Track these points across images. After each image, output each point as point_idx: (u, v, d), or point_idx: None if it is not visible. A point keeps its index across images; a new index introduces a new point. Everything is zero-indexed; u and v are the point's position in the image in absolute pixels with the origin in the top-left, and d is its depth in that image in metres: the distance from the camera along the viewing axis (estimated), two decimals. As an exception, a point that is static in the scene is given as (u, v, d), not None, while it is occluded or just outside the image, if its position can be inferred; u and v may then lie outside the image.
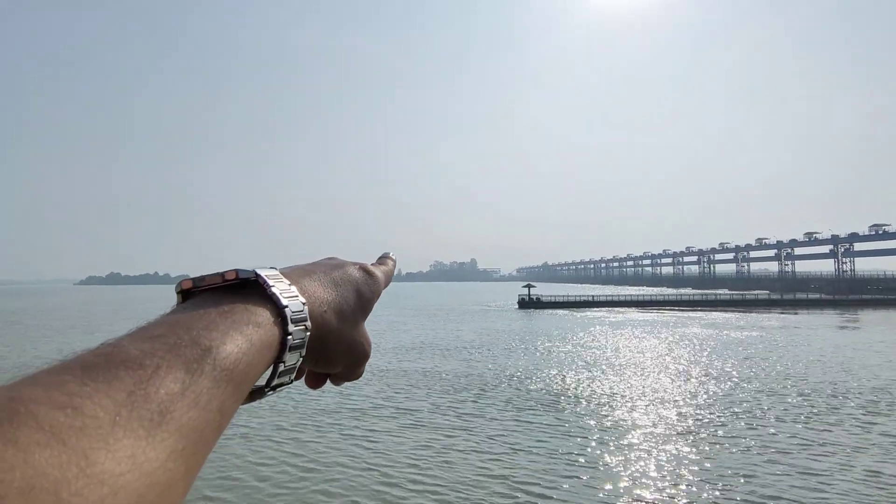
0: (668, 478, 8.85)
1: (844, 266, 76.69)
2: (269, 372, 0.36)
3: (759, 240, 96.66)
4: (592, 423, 12.09)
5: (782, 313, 47.19)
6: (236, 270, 0.37)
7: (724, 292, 72.24)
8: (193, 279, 0.38)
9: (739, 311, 49.92)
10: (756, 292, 71.46)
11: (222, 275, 0.37)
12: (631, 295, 66.60)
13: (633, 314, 48.54)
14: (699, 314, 47.44)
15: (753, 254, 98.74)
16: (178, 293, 0.38)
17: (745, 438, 10.76)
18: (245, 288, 0.37)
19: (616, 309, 55.92)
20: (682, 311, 52.18)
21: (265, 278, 0.37)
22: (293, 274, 0.41)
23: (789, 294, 65.18)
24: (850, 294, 63.53)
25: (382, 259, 0.55)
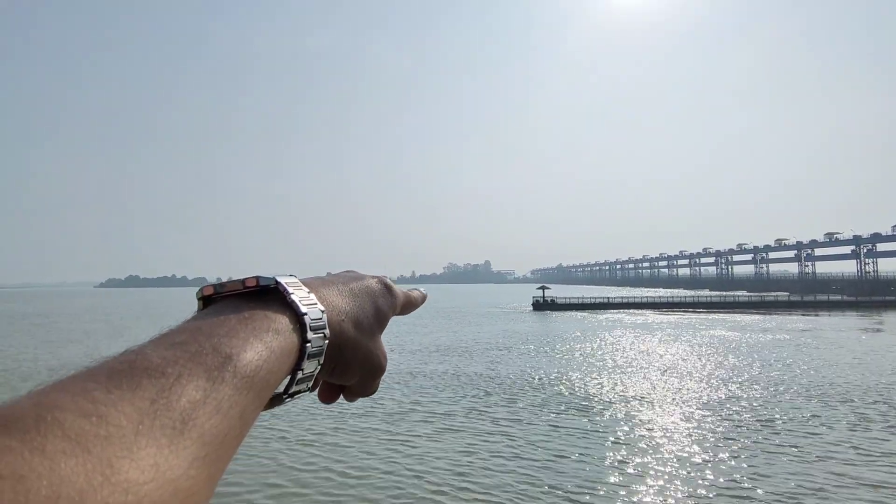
0: (726, 490, 8.52)
1: (867, 267, 75.13)
2: (287, 379, 0.36)
3: (778, 240, 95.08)
4: (635, 430, 11.75)
5: (804, 315, 46.24)
6: (257, 278, 0.38)
7: (742, 294, 71.00)
8: (214, 285, 0.38)
9: (760, 314, 49.03)
10: (776, 294, 70.13)
11: (243, 282, 0.38)
12: (647, 297, 65.73)
13: (654, 316, 47.90)
14: (720, 316, 46.57)
15: (772, 255, 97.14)
16: (199, 299, 0.38)
17: (800, 447, 10.36)
18: (265, 295, 0.37)
19: (635, 311, 55.14)
20: (700, 313, 51.33)
21: (285, 286, 0.37)
22: (312, 283, 0.42)
23: (809, 296, 63.90)
24: (872, 295, 62.14)
25: (412, 289, 0.54)
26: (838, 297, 61.20)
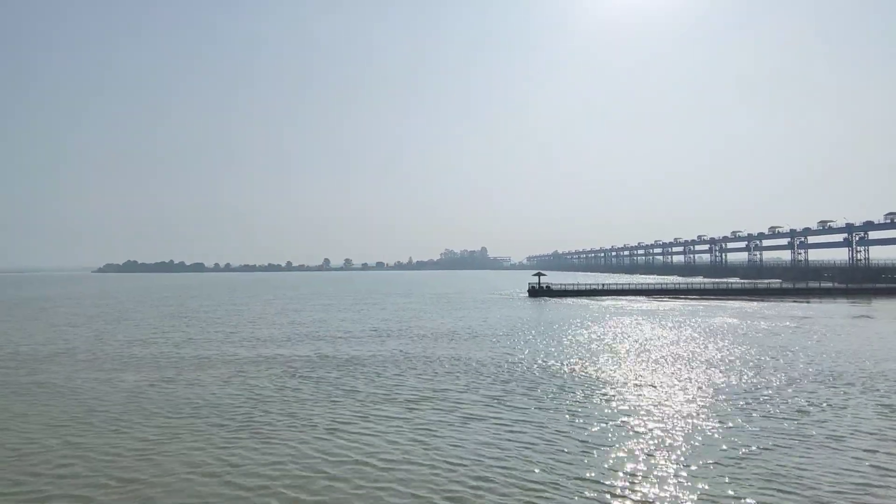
0: (770, 483, 8.41)
1: (859, 255, 76.02)
2: None
3: (771, 228, 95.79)
4: (665, 420, 11.70)
5: (796, 302, 46.77)
6: None
7: (735, 281, 71.77)
8: None
9: (754, 300, 49.66)
10: (768, 281, 70.98)
11: None
12: (642, 283, 66.36)
13: (654, 303, 48.07)
14: (717, 303, 46.91)
15: (766, 242, 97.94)
16: None
17: (837, 437, 10.41)
18: None
19: (631, 297, 55.76)
20: (693, 299, 51.62)
21: None
22: None
23: (801, 283, 64.72)
24: (863, 283, 63.00)
25: None
26: (829, 285, 61.89)
